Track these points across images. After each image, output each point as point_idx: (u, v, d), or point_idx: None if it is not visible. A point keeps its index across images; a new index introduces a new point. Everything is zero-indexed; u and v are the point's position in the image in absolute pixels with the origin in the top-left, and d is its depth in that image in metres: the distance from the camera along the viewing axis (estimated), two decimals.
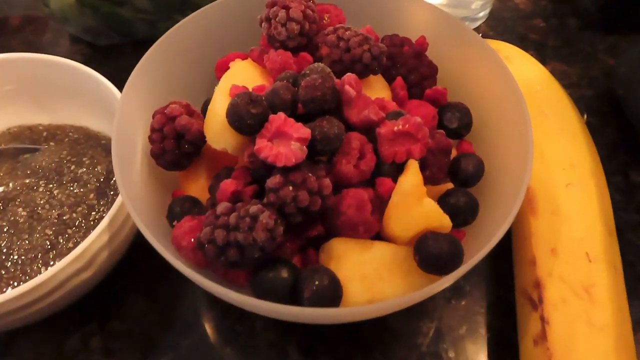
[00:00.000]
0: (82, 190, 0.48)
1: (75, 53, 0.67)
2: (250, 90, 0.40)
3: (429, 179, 0.40)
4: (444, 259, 0.35)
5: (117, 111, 0.41)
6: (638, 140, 0.59)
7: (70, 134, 0.53)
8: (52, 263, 0.44)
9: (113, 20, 0.62)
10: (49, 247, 0.45)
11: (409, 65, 0.46)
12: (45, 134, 0.53)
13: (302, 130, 0.35)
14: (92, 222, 0.46)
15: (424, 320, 0.48)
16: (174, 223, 0.40)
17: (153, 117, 0.42)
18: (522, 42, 0.70)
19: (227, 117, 0.37)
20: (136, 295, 0.49)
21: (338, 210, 0.37)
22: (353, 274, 0.36)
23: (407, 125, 0.37)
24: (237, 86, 0.40)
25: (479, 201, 0.41)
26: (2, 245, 0.45)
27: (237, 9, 0.50)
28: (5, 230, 0.46)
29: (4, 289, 0.43)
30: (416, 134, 0.38)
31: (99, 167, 0.50)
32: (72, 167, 0.49)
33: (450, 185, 0.43)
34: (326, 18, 0.46)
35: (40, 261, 0.44)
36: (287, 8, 0.42)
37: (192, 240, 0.37)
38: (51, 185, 0.48)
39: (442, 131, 0.42)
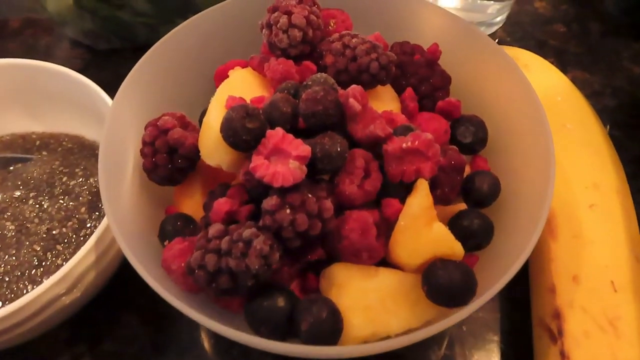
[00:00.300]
0: (73, 203, 0.46)
1: (75, 57, 0.65)
2: (248, 101, 0.38)
3: (440, 199, 0.37)
4: (456, 291, 0.32)
5: (106, 122, 0.38)
6: None
7: (64, 143, 0.51)
8: (39, 280, 0.42)
9: (112, 24, 0.60)
10: (37, 263, 0.43)
11: (420, 74, 0.43)
12: (38, 142, 0.51)
13: (302, 148, 0.32)
14: (82, 238, 0.44)
15: (433, 347, 0.45)
16: (165, 243, 0.38)
17: (145, 129, 0.39)
18: (542, 49, 0.66)
19: (221, 131, 0.34)
20: (128, 315, 0.47)
21: (340, 234, 0.34)
22: (355, 304, 0.33)
23: (416, 142, 0.34)
24: (233, 97, 0.37)
25: (494, 224, 0.38)
26: None
27: (238, 13, 0.47)
28: None
29: None
30: (426, 151, 0.35)
31: (92, 179, 0.47)
32: (64, 179, 0.47)
33: (462, 206, 0.40)
34: (332, 24, 0.44)
35: (27, 279, 0.42)
36: (289, 14, 0.39)
37: (183, 264, 0.34)
38: (41, 198, 0.46)
39: (454, 147, 0.39)
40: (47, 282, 0.36)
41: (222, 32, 0.47)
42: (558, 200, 0.43)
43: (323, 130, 0.35)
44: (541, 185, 0.37)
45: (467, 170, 0.41)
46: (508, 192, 0.40)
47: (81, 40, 0.64)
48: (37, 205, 0.45)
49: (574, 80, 0.54)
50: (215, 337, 0.46)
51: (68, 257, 0.43)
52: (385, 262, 0.36)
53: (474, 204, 0.39)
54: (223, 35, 0.47)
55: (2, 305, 0.39)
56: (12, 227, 0.44)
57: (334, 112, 0.34)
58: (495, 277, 0.34)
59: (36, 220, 0.45)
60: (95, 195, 0.46)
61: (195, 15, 0.46)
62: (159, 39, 0.44)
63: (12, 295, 0.41)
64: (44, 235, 0.44)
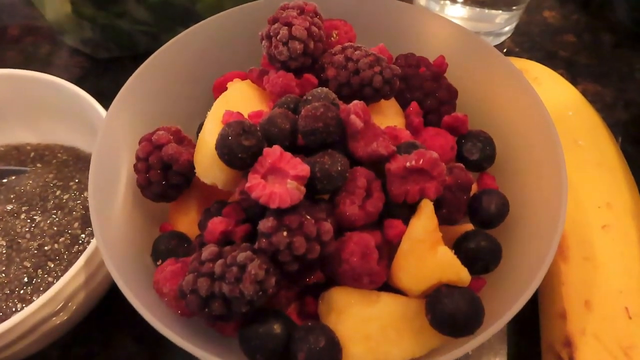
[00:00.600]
0: (66, 218, 0.44)
1: (74, 66, 0.64)
2: (247, 115, 0.36)
3: (445, 219, 0.35)
4: (461, 320, 0.31)
5: (99, 134, 0.37)
6: None
7: (59, 155, 0.49)
8: (29, 298, 0.41)
9: (112, 32, 0.59)
10: (27, 281, 0.41)
11: (425, 88, 0.41)
12: (32, 154, 0.50)
13: (300, 167, 0.31)
14: (74, 254, 0.42)
15: None
16: (158, 263, 0.36)
17: (139, 144, 0.38)
18: (551, 60, 0.64)
19: (216, 149, 0.33)
20: (122, 334, 0.45)
21: (340, 257, 0.32)
22: (355, 332, 0.32)
23: (421, 161, 0.33)
24: (230, 112, 0.36)
25: (502, 246, 0.36)
26: None
27: (238, 23, 0.46)
28: None
29: None
30: (431, 170, 0.33)
31: (86, 193, 0.46)
32: (58, 192, 0.46)
33: (469, 226, 0.38)
34: (334, 35, 0.42)
35: (17, 297, 0.41)
36: (289, 25, 0.38)
37: (175, 286, 0.33)
38: (34, 212, 0.45)
39: (461, 165, 0.37)
40: (36, 303, 0.34)
41: (222, 42, 0.46)
42: (569, 220, 0.42)
43: (323, 148, 0.33)
44: (553, 206, 0.35)
45: (474, 188, 0.39)
46: (517, 212, 0.38)
47: (80, 48, 0.63)
48: (29, 220, 0.44)
49: (584, 93, 0.53)
50: None
51: (59, 274, 0.42)
52: (388, 285, 0.34)
53: (481, 224, 0.38)
54: (222, 46, 0.46)
55: None
56: (3, 242, 0.43)
57: (334, 130, 0.33)
58: (503, 303, 0.33)
59: (27, 235, 0.43)
60: (89, 210, 0.45)
61: (194, 25, 0.44)
62: (159, 48, 0.43)
63: (1, 314, 0.40)
64: (35, 252, 0.42)
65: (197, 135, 0.41)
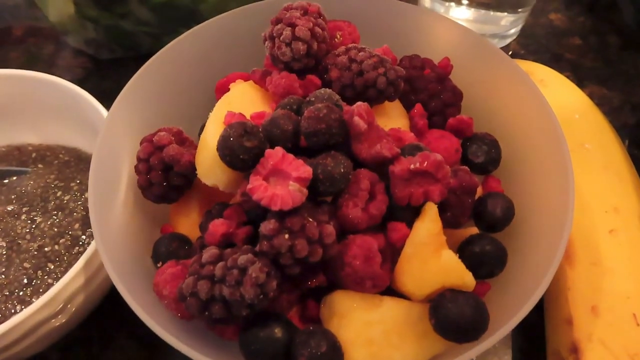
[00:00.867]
0: (67, 219, 0.44)
1: (77, 67, 0.64)
2: (249, 117, 0.36)
3: (449, 222, 0.35)
4: (466, 325, 0.30)
5: (100, 135, 0.37)
6: None
7: (61, 155, 0.49)
8: (29, 300, 0.40)
9: (115, 33, 0.58)
10: (27, 282, 0.41)
11: (430, 90, 0.41)
12: (34, 155, 0.49)
13: (302, 169, 0.30)
14: (74, 256, 0.42)
15: None
16: (158, 265, 0.36)
17: (140, 145, 0.37)
18: (557, 63, 0.64)
19: (217, 150, 0.32)
20: (122, 336, 0.45)
21: (342, 260, 0.32)
22: (357, 337, 0.31)
23: (425, 163, 0.32)
24: (233, 113, 0.35)
25: (508, 250, 0.35)
26: None
27: (241, 24, 0.45)
28: None
29: None
30: (436, 173, 0.33)
31: (87, 194, 0.45)
32: (59, 193, 0.45)
33: (474, 230, 0.37)
34: (338, 36, 0.42)
35: (17, 299, 0.40)
36: (292, 26, 0.37)
37: (175, 289, 0.32)
38: (34, 213, 0.44)
39: (465, 167, 0.37)
40: (35, 305, 0.34)
41: (225, 43, 0.45)
42: (575, 224, 0.41)
43: (326, 150, 0.33)
44: (559, 210, 0.35)
45: (479, 191, 0.39)
46: (522, 216, 0.37)
47: (84, 49, 0.63)
48: (30, 221, 0.44)
49: (591, 96, 0.52)
50: None
51: (59, 275, 0.41)
52: (391, 288, 0.34)
53: (486, 228, 0.37)
54: (225, 47, 0.45)
55: None
56: (3, 243, 0.43)
57: (337, 131, 0.32)
58: (508, 308, 0.32)
59: (28, 236, 0.43)
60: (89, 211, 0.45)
61: (197, 26, 0.44)
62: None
63: (0, 316, 0.39)
64: (35, 253, 0.42)
65: (199, 137, 0.41)
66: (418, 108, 0.40)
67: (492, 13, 0.61)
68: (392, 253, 0.34)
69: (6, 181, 0.47)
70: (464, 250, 0.35)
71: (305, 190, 0.31)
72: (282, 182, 0.31)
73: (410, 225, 0.33)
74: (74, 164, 0.48)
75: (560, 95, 0.49)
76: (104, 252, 0.32)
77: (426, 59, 0.42)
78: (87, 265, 0.36)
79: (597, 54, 0.65)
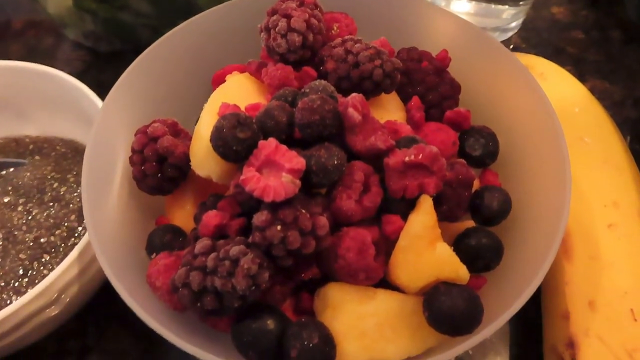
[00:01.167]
0: (63, 211, 0.44)
1: (76, 59, 0.64)
2: (244, 109, 0.36)
3: (445, 216, 0.34)
4: (459, 319, 0.30)
5: (94, 126, 0.37)
6: None
7: (58, 147, 0.49)
8: (24, 291, 0.40)
9: (113, 26, 0.58)
10: (22, 273, 0.41)
11: (427, 83, 0.41)
12: (31, 146, 0.49)
13: (295, 160, 0.30)
14: (70, 247, 0.42)
15: None
16: (152, 256, 0.36)
17: (134, 136, 0.37)
18: (559, 56, 0.63)
19: (210, 141, 0.32)
20: (118, 327, 0.45)
21: (336, 253, 0.32)
22: (350, 329, 0.31)
23: (420, 156, 0.32)
24: (227, 104, 0.35)
25: (504, 244, 0.35)
26: None
27: (238, 15, 0.45)
28: None
29: None
30: (431, 165, 0.32)
31: None
32: (55, 185, 0.45)
33: (470, 223, 0.37)
34: (335, 28, 0.41)
35: (12, 289, 0.40)
36: (288, 17, 0.37)
37: (168, 280, 0.32)
38: (30, 205, 0.44)
39: (462, 160, 0.36)
40: (28, 294, 0.34)
41: (221, 35, 0.45)
42: (574, 218, 0.41)
43: (320, 142, 0.32)
44: (556, 203, 0.34)
45: (476, 185, 0.38)
46: (520, 209, 0.37)
47: (82, 42, 0.63)
48: (26, 212, 0.44)
49: (592, 90, 0.51)
50: None
51: (55, 266, 0.41)
52: (385, 281, 0.33)
53: (482, 221, 0.37)
54: (222, 39, 0.45)
55: None
56: (0, 235, 0.43)
57: (331, 122, 0.32)
58: (504, 302, 0.32)
59: (24, 227, 0.43)
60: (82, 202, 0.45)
61: (193, 17, 0.44)
62: None
63: None
64: (31, 244, 0.42)
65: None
66: (415, 101, 0.40)
67: (493, 6, 0.61)
68: (386, 246, 0.34)
69: (3, 173, 0.47)
70: (459, 244, 0.35)
71: (298, 182, 0.30)
72: (275, 174, 0.31)
73: (405, 217, 0.33)
74: (70, 156, 0.48)
75: (560, 88, 0.48)
76: (96, 243, 0.32)
77: (424, 52, 0.42)
78: (81, 256, 0.36)
79: (600, 48, 0.64)
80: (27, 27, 0.67)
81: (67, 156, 0.48)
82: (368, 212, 0.33)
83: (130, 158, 0.37)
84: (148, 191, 0.38)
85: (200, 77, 0.44)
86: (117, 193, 0.38)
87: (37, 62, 0.48)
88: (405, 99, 0.41)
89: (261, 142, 0.31)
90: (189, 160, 0.36)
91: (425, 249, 0.31)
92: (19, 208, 0.44)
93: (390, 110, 0.40)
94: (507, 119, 0.41)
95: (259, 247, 0.30)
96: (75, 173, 0.47)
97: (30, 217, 0.44)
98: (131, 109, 0.40)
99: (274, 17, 0.38)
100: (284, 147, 0.31)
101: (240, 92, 0.38)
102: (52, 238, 0.43)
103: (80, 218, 0.44)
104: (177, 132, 0.38)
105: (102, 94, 0.44)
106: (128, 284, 0.32)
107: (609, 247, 0.39)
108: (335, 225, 0.32)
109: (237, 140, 0.31)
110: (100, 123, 0.37)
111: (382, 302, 0.32)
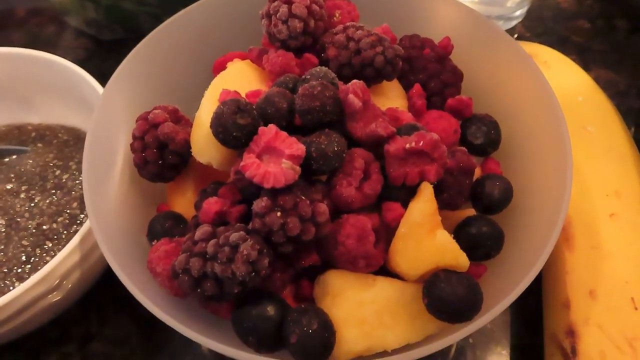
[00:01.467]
0: (65, 198, 0.44)
1: (78, 47, 0.64)
2: (244, 95, 0.35)
3: (446, 204, 0.34)
4: (459, 306, 0.30)
5: (95, 113, 0.37)
6: None
7: (60, 135, 0.49)
8: (26, 277, 0.41)
9: (116, 13, 0.58)
10: (25, 259, 0.41)
11: (429, 70, 0.40)
12: (33, 134, 0.50)
13: (295, 147, 0.30)
14: (72, 234, 0.42)
15: None
16: (153, 243, 0.36)
17: (136, 123, 0.37)
18: (563, 45, 0.63)
19: (211, 127, 0.32)
20: (120, 314, 0.45)
21: (335, 240, 0.32)
22: (350, 316, 0.31)
23: (421, 143, 0.32)
24: (228, 91, 0.35)
25: (505, 232, 0.35)
26: None
27: (240, 2, 0.45)
28: None
29: None
30: (432, 153, 0.32)
31: None
32: (57, 172, 0.46)
33: (471, 211, 0.37)
34: (337, 15, 0.41)
35: (15, 276, 0.40)
36: (289, 3, 0.37)
37: (168, 266, 0.33)
38: (33, 192, 0.45)
39: (463, 148, 0.36)
40: (30, 280, 0.34)
41: (222, 22, 0.45)
42: (575, 207, 0.40)
43: (320, 128, 0.32)
44: (557, 192, 0.34)
45: (478, 173, 0.38)
46: (521, 198, 0.37)
47: (85, 30, 0.63)
48: (28, 199, 0.44)
49: (597, 80, 0.51)
50: None
51: (57, 253, 0.41)
52: (385, 268, 0.33)
53: (483, 209, 0.37)
54: (223, 26, 0.45)
55: None
56: (2, 221, 0.43)
57: (331, 109, 0.32)
58: (504, 290, 0.32)
59: (26, 214, 0.43)
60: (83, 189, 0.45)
61: (194, 4, 0.44)
62: None
63: None
64: (34, 231, 0.42)
65: None
66: (417, 88, 0.40)
67: None
68: (386, 233, 0.34)
69: (6, 160, 0.48)
70: (460, 232, 0.35)
71: (298, 168, 0.30)
72: (275, 160, 0.31)
73: (405, 205, 0.33)
74: (72, 144, 0.49)
75: (563, 77, 0.48)
76: (98, 230, 0.32)
77: (426, 39, 0.42)
78: (83, 242, 0.36)
79: (605, 38, 0.64)
80: (30, 15, 0.67)
81: (69, 143, 0.49)
82: (368, 199, 0.32)
83: (131, 145, 0.37)
84: (149, 178, 0.38)
85: (201, 64, 0.44)
86: (118, 180, 0.38)
87: (40, 50, 0.48)
88: (407, 86, 0.40)
89: (261, 129, 0.31)
90: (190, 147, 0.36)
91: (425, 237, 0.31)
92: (22, 195, 0.44)
93: (391, 97, 0.39)
94: (509, 107, 0.41)
95: (258, 234, 0.30)
96: (77, 160, 0.47)
97: (32, 204, 0.44)
98: (132, 96, 0.40)
99: (275, 3, 0.37)
100: (284, 133, 0.31)
101: (241, 79, 0.38)
102: (55, 225, 0.43)
103: (82, 205, 0.44)
104: (178, 119, 0.38)
105: (104, 82, 0.44)
106: (129, 270, 0.32)
107: (610, 236, 0.39)
108: (336, 212, 0.32)
109: (237, 126, 0.31)
110: (101, 109, 0.37)
111: (382, 289, 0.32)
